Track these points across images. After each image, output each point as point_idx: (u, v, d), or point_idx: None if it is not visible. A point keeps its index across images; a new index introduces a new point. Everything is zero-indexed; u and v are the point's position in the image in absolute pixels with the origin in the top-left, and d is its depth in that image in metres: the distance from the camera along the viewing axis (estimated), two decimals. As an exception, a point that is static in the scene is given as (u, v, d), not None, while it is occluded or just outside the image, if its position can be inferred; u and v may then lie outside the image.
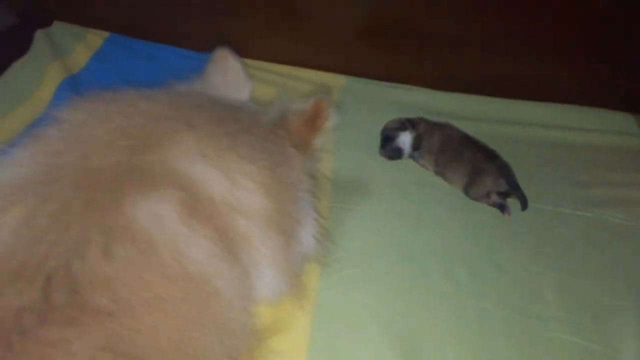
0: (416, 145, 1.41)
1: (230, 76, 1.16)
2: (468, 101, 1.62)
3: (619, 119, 1.55)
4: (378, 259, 1.13)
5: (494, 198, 1.30)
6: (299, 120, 1.01)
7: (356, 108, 1.57)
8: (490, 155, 1.34)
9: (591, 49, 1.59)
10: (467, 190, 1.33)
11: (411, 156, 1.43)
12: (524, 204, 1.29)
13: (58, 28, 1.65)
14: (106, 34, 1.69)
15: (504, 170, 1.31)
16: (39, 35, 1.58)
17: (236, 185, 0.84)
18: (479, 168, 1.32)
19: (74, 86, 1.43)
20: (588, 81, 1.64)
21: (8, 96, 1.36)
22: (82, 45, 1.62)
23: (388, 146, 1.42)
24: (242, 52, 1.70)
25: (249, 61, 1.69)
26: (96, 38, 1.66)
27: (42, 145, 0.83)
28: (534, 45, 1.62)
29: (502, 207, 1.29)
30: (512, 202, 1.31)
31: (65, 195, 0.74)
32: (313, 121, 1.01)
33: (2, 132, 1.26)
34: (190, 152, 0.83)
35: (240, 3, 1.68)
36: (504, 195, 1.30)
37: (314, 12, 1.69)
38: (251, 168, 0.87)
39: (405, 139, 1.42)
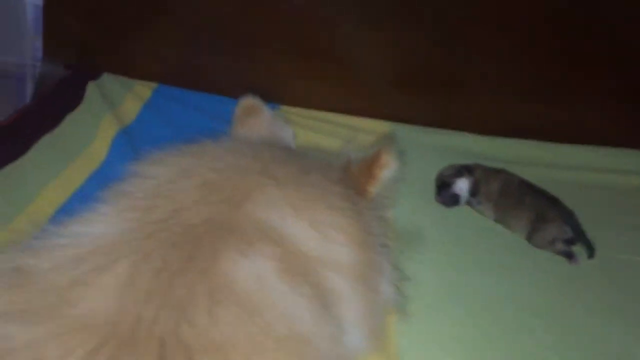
0: (473, 192, 1.38)
1: (264, 125, 1.13)
2: (517, 145, 1.60)
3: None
4: (454, 311, 1.08)
5: (560, 246, 1.26)
6: (358, 168, 0.99)
7: (403, 154, 1.54)
8: (552, 202, 1.31)
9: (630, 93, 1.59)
10: (530, 238, 1.29)
11: (468, 203, 1.40)
12: (591, 252, 1.25)
13: (107, 80, 1.65)
14: (154, 84, 1.69)
15: (569, 217, 1.28)
16: (91, 86, 1.57)
17: (326, 238, 0.81)
18: (542, 215, 1.28)
19: (129, 138, 1.42)
20: (627, 124, 1.63)
21: (66, 148, 1.34)
22: (132, 97, 1.61)
23: (445, 193, 1.39)
24: (284, 99, 1.73)
25: (291, 108, 1.70)
26: (145, 89, 1.65)
27: (128, 201, 0.80)
28: (571, 91, 1.62)
29: (569, 255, 1.25)
30: (577, 250, 1.27)
31: (163, 253, 0.71)
32: (370, 169, 0.97)
33: (64, 184, 1.23)
34: (280, 206, 0.80)
35: (281, 51, 1.68)
36: (569, 242, 1.26)
37: (354, 59, 1.69)
38: (339, 219, 0.84)
39: (462, 186, 1.39)
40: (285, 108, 1.70)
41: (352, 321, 0.84)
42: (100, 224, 0.76)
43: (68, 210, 1.16)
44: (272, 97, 1.68)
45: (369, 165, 0.95)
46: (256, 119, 1.12)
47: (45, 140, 1.35)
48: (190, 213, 0.77)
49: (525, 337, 1.05)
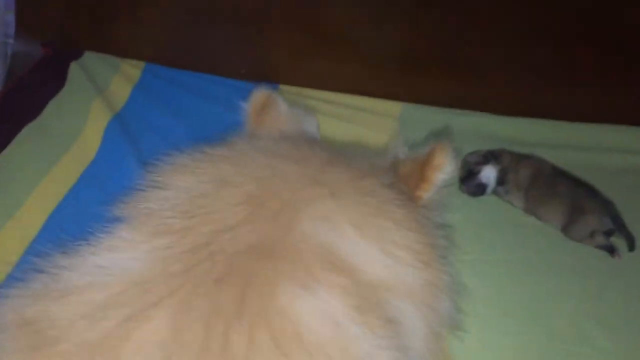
0: (501, 180, 1.26)
1: (284, 119, 0.96)
2: (540, 126, 1.47)
3: None
4: (503, 321, 0.97)
5: (600, 239, 1.15)
6: (408, 169, 0.83)
7: (419, 137, 1.40)
8: (589, 190, 1.20)
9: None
10: (567, 230, 1.18)
11: (494, 192, 1.28)
12: (632, 244, 1.15)
13: (90, 59, 1.46)
14: (141, 63, 1.50)
15: (608, 207, 1.17)
16: (74, 68, 1.39)
17: (394, 260, 0.67)
18: (579, 205, 1.17)
19: (123, 126, 1.24)
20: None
21: (53, 140, 1.16)
22: (119, 78, 1.43)
23: (470, 182, 1.26)
24: (284, 78, 1.57)
25: (291, 88, 1.54)
26: (132, 69, 1.47)
27: (155, 222, 0.64)
28: (586, 69, 1.50)
29: (610, 249, 1.14)
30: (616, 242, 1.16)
31: (209, 292, 0.56)
32: (423, 170, 0.80)
33: (55, 183, 1.06)
34: (340, 224, 0.65)
35: (280, 28, 1.53)
36: (608, 234, 1.16)
37: (356, 36, 1.54)
38: (405, 234, 0.69)
39: (489, 174, 1.26)
40: (284, 87, 1.54)
41: (417, 351, 0.71)
42: (126, 254, 0.60)
43: (62, 215, 1.00)
44: (271, 76, 1.54)
45: (422, 166, 0.80)
46: (273, 113, 0.95)
47: (28, 131, 1.18)
48: (234, 236, 0.62)
49: (583, 346, 0.95)
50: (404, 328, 0.66)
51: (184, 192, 0.67)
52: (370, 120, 1.46)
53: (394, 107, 1.52)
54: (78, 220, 0.95)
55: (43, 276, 0.59)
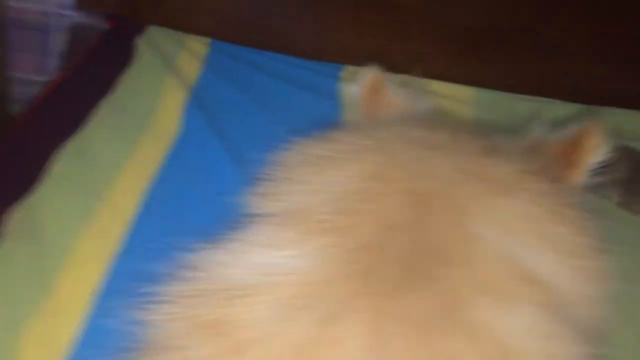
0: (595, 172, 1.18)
1: (398, 102, 0.89)
2: (626, 117, 1.38)
3: None
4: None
5: None
6: (555, 151, 0.76)
7: (496, 126, 1.33)
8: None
9: None
10: (669, 227, 1.11)
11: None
12: None
13: (154, 33, 1.37)
14: (206, 39, 1.42)
15: None
16: (140, 42, 1.30)
17: (569, 269, 0.60)
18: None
19: (200, 105, 1.17)
20: None
21: (128, 121, 1.07)
22: (186, 54, 1.34)
23: (561, 173, 1.18)
24: (351, 58, 1.49)
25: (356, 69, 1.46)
26: (199, 45, 1.38)
27: (312, 218, 0.57)
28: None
29: None
30: None
31: (399, 297, 0.49)
32: (574, 154, 0.76)
33: (140, 165, 0.98)
34: (515, 228, 0.58)
35: (347, 5, 1.43)
36: None
37: (426, 13, 1.45)
38: (575, 238, 0.63)
39: (584, 166, 1.18)
40: (351, 69, 1.45)
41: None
42: (288, 252, 0.54)
43: (156, 199, 0.93)
44: (338, 56, 1.46)
45: (572, 149, 0.74)
46: (385, 95, 0.88)
47: (106, 107, 1.09)
48: (403, 237, 0.54)
49: None
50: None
51: (335, 187, 0.60)
52: (444, 106, 1.38)
53: (467, 92, 1.44)
54: (174, 206, 0.90)
55: (199, 273, 0.52)
